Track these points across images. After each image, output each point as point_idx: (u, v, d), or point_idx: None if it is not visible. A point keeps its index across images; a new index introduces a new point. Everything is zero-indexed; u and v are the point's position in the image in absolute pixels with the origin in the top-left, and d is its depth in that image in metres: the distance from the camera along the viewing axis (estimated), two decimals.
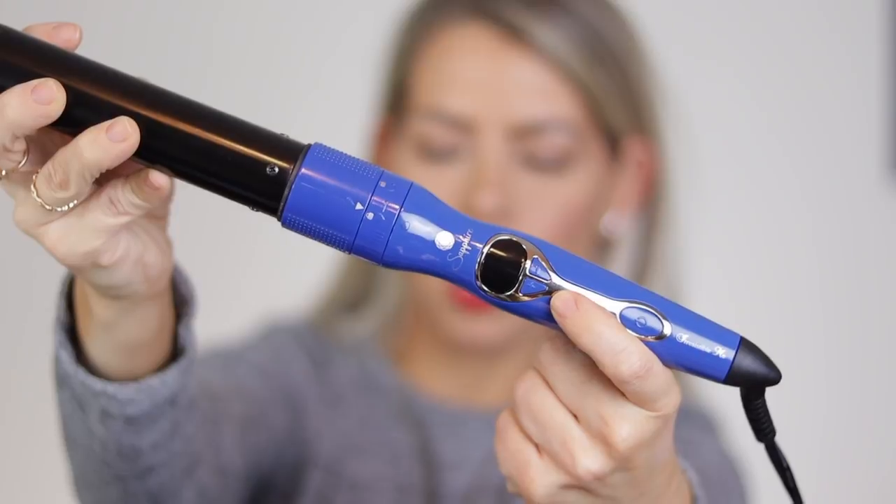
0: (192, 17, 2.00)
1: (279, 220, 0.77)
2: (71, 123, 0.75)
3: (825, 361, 2.03)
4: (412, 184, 0.77)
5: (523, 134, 1.22)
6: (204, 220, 1.75)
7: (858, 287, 2.03)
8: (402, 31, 1.30)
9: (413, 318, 1.35)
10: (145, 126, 0.75)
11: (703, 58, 1.96)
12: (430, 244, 0.76)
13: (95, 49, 0.81)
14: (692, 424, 1.26)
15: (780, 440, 0.80)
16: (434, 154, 1.23)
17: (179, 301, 0.90)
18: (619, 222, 1.31)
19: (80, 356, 0.88)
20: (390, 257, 0.76)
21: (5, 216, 0.86)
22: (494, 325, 1.24)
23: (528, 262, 0.76)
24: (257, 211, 0.77)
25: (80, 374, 0.86)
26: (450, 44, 1.25)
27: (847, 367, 2.04)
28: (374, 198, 0.75)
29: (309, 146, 0.76)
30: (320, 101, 1.95)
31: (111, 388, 0.87)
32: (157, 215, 0.82)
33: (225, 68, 1.98)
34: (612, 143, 1.27)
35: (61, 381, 0.89)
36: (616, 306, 0.76)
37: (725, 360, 0.75)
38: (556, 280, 0.76)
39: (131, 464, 0.92)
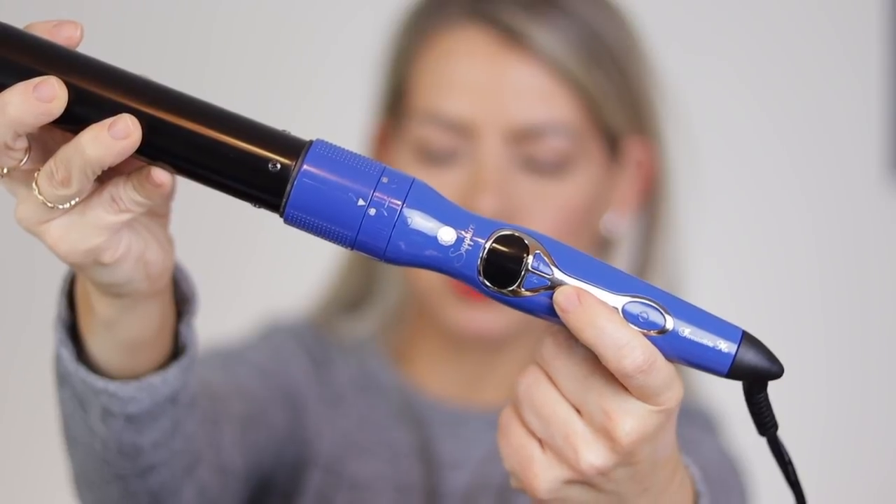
0: (192, 18, 2.00)
1: (281, 216, 0.77)
2: (73, 121, 0.75)
3: (825, 361, 2.03)
4: (414, 180, 0.77)
5: (522, 137, 1.22)
6: (204, 221, 1.75)
7: (858, 287, 2.03)
8: (400, 34, 1.30)
9: (413, 317, 1.35)
10: (147, 123, 0.75)
11: (703, 58, 1.96)
12: (433, 240, 0.76)
13: (96, 47, 0.81)
14: (692, 424, 1.26)
15: (782, 435, 0.80)
16: (433, 157, 1.23)
17: (180, 299, 0.90)
18: (619, 222, 1.31)
19: (82, 354, 0.88)
20: (392, 253, 0.76)
21: (7, 214, 0.86)
22: (496, 316, 1.24)
23: (531, 257, 0.76)
24: (259, 207, 0.77)
25: (81, 372, 0.86)
26: (448, 47, 1.25)
27: (847, 366, 2.04)
28: (377, 194, 0.76)
29: (311, 142, 0.77)
30: (319, 103, 1.96)
31: (112, 386, 0.87)
32: (158, 213, 0.82)
33: (225, 69, 1.98)
34: (612, 143, 1.27)
35: (62, 379, 0.89)
36: (618, 301, 0.76)
37: (728, 354, 0.76)
38: (558, 275, 0.76)
39: (132, 462, 0.92)
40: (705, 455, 1.18)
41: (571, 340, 0.77)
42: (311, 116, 1.80)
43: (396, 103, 1.29)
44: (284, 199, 0.76)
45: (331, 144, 0.77)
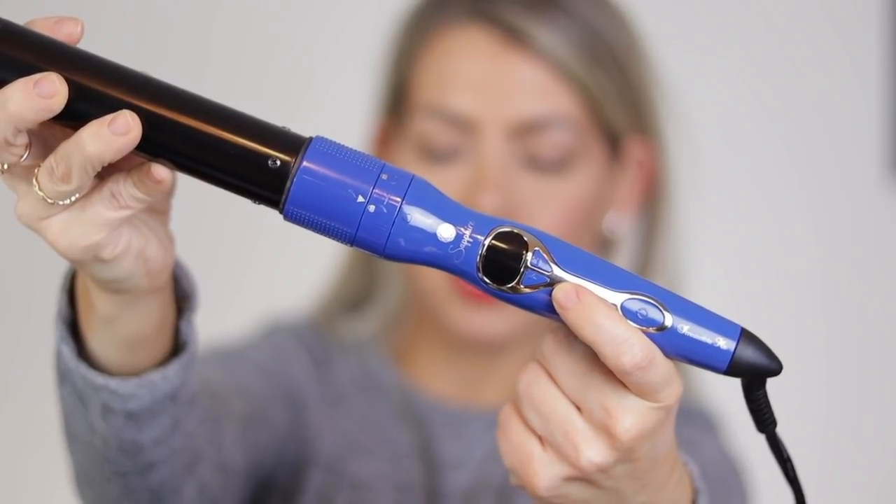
0: (193, 16, 2.00)
1: (281, 212, 0.77)
2: (73, 117, 0.75)
3: (825, 360, 2.03)
4: (414, 176, 0.77)
5: (523, 132, 1.22)
6: (204, 219, 1.75)
7: (858, 286, 2.03)
8: (401, 33, 1.31)
9: (414, 317, 1.35)
10: (147, 119, 0.75)
11: (704, 57, 1.96)
12: (432, 236, 0.76)
13: (97, 44, 0.81)
14: (692, 424, 1.26)
15: (781, 432, 0.80)
16: (435, 155, 1.23)
17: (181, 296, 0.90)
18: (621, 222, 1.31)
19: (82, 351, 0.88)
20: (392, 250, 0.77)
21: (6, 210, 0.86)
22: (498, 320, 1.24)
23: (530, 254, 0.76)
24: (259, 204, 0.77)
25: (82, 368, 0.87)
26: (450, 46, 1.25)
27: (847, 365, 2.04)
28: (376, 190, 0.76)
29: (311, 139, 0.77)
30: (320, 103, 1.96)
31: (112, 382, 0.87)
32: (158, 209, 0.83)
33: (225, 68, 1.98)
34: (613, 143, 1.27)
35: (63, 375, 0.89)
36: (617, 297, 0.76)
37: (726, 351, 0.76)
38: (557, 272, 0.76)
39: (132, 459, 0.92)
40: (705, 455, 1.18)
41: (571, 337, 0.77)
42: (311, 116, 1.80)
43: (397, 103, 1.29)
44: (284, 196, 0.76)
45: (330, 141, 0.77)
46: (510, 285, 0.76)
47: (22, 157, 0.76)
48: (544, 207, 1.23)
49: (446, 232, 0.77)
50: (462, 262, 0.77)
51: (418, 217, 0.76)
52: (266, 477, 1.24)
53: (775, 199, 2.03)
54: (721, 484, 1.16)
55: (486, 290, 0.77)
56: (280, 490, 1.28)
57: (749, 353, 0.76)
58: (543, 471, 0.78)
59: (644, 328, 0.76)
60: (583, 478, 0.78)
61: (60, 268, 0.88)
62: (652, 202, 1.34)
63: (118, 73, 0.76)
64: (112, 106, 0.75)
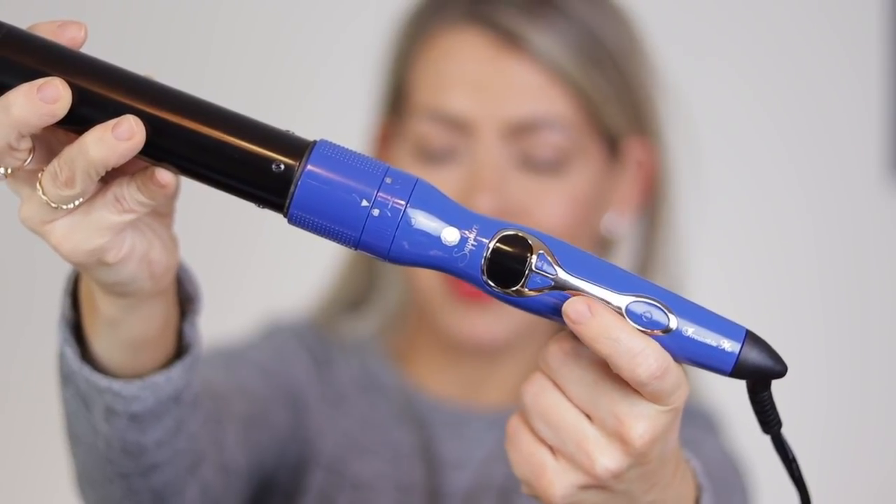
0: (194, 19, 2.00)
1: (285, 216, 0.77)
2: (77, 122, 0.75)
3: (826, 360, 2.03)
4: (418, 180, 0.77)
5: (519, 132, 1.22)
6: (206, 221, 1.75)
7: (858, 286, 2.03)
8: (400, 34, 1.31)
9: (415, 318, 1.35)
10: (151, 124, 0.75)
11: (703, 58, 1.96)
12: (436, 240, 0.76)
13: (100, 47, 0.81)
14: (694, 424, 1.26)
15: (785, 433, 0.80)
16: (431, 156, 1.23)
17: (184, 298, 0.90)
18: (620, 223, 1.31)
19: (86, 353, 0.88)
20: (396, 253, 0.77)
21: (10, 213, 0.86)
22: (495, 322, 1.24)
23: (534, 257, 0.76)
24: (263, 208, 0.77)
25: (85, 370, 0.87)
26: (447, 47, 1.25)
27: (848, 365, 2.04)
28: (380, 194, 0.76)
29: (315, 143, 0.77)
30: (320, 104, 1.96)
31: (116, 384, 0.87)
32: (162, 213, 0.82)
33: (226, 70, 1.98)
34: (611, 144, 1.27)
35: (66, 378, 0.89)
36: (622, 300, 0.76)
37: (731, 353, 0.76)
38: (561, 275, 0.76)
39: (135, 461, 0.92)
40: (707, 455, 1.18)
41: (577, 346, 0.77)
42: (312, 117, 1.80)
43: (397, 103, 1.29)
44: (288, 200, 0.76)
45: (334, 144, 0.77)
46: (515, 288, 0.76)
47: (25, 161, 0.76)
48: (540, 208, 1.23)
49: (450, 235, 0.76)
50: (466, 265, 0.76)
51: (422, 220, 0.76)
52: (267, 477, 1.24)
53: (775, 199, 2.03)
54: (723, 483, 1.16)
55: (491, 293, 0.77)
56: (281, 490, 1.28)
57: (754, 356, 0.76)
58: (558, 480, 0.78)
59: (649, 331, 0.76)
60: (598, 485, 0.78)
61: (63, 270, 0.88)
62: (652, 203, 1.34)
63: (121, 78, 0.76)
64: (116, 110, 0.75)
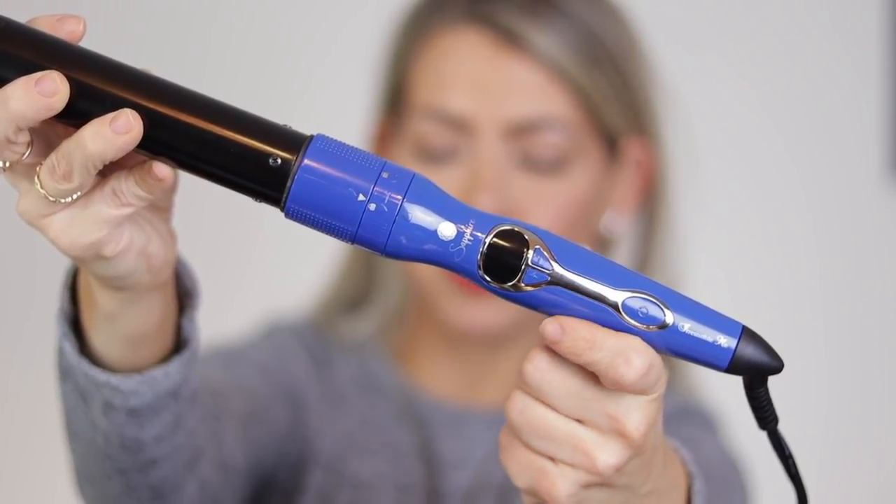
0: (194, 15, 2.01)
1: (282, 210, 0.77)
2: (74, 115, 0.75)
3: (825, 360, 2.03)
4: (414, 174, 0.77)
5: (519, 132, 1.22)
6: (205, 219, 1.75)
7: (858, 286, 2.03)
8: (399, 33, 1.31)
9: (414, 317, 1.35)
10: (148, 118, 0.75)
11: (703, 57, 1.96)
12: (433, 234, 0.76)
13: (98, 42, 0.81)
14: (692, 422, 1.26)
15: (782, 429, 0.80)
16: (431, 155, 1.24)
17: (183, 293, 0.90)
18: (619, 222, 1.31)
19: (84, 348, 0.88)
20: (393, 248, 0.77)
21: (8, 207, 0.86)
22: (491, 311, 1.24)
23: (531, 252, 0.76)
24: (260, 202, 0.77)
25: (84, 365, 0.87)
26: (447, 46, 1.25)
27: (847, 364, 2.04)
28: (377, 188, 0.76)
29: (311, 137, 0.77)
30: (319, 102, 1.96)
31: (114, 379, 0.87)
32: (160, 206, 0.83)
33: (226, 67, 1.98)
34: (611, 143, 1.27)
35: (64, 372, 0.89)
36: (618, 296, 0.76)
37: (727, 349, 0.76)
38: (558, 270, 0.76)
39: (133, 457, 0.92)
40: (706, 453, 1.18)
41: (553, 360, 0.77)
42: (311, 115, 1.80)
43: (396, 102, 1.29)
44: (285, 194, 0.76)
45: (331, 139, 0.77)
46: (511, 283, 0.76)
47: (23, 154, 0.76)
48: (540, 207, 1.23)
49: (447, 230, 0.77)
50: (463, 259, 0.76)
51: (419, 215, 0.76)
52: (267, 476, 1.24)
53: (775, 198, 2.03)
54: (722, 482, 1.17)
55: (488, 287, 0.77)
56: (281, 489, 1.28)
57: (750, 352, 0.76)
58: (561, 482, 0.77)
59: (645, 326, 0.76)
60: (601, 482, 0.78)
61: (62, 264, 0.88)
62: (651, 202, 1.34)
63: (119, 72, 0.76)
64: (113, 104, 0.75)
